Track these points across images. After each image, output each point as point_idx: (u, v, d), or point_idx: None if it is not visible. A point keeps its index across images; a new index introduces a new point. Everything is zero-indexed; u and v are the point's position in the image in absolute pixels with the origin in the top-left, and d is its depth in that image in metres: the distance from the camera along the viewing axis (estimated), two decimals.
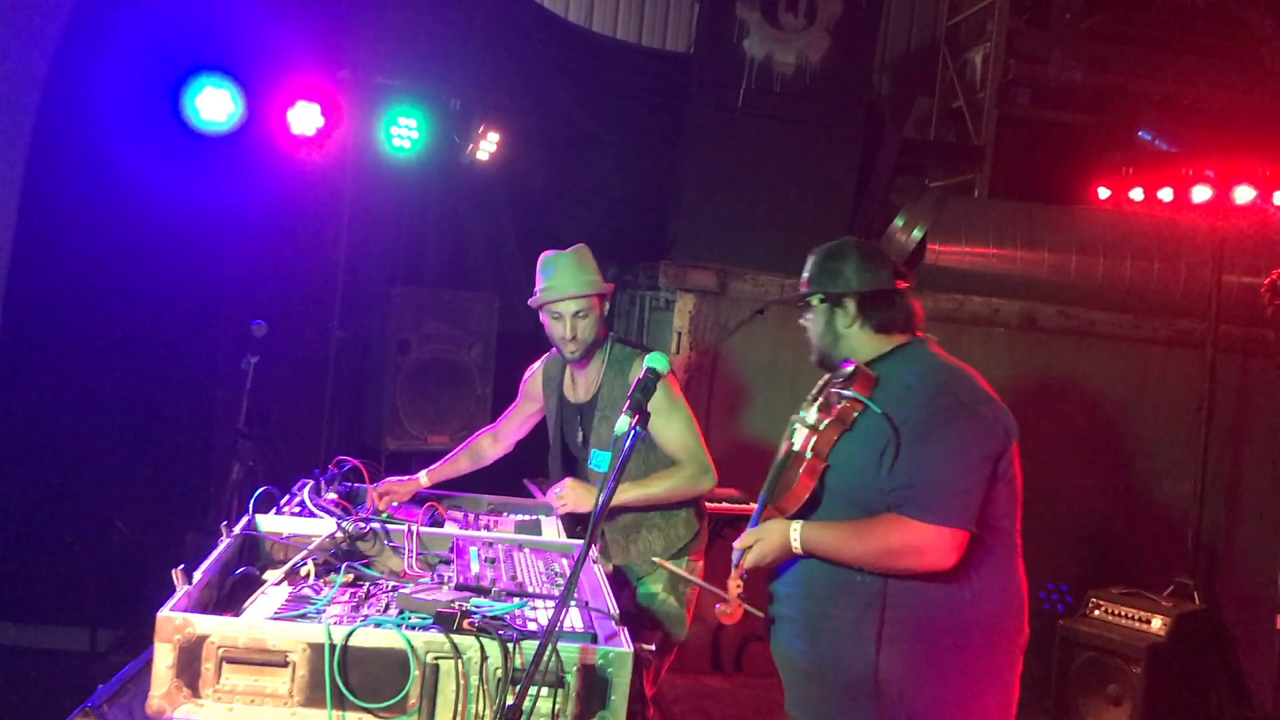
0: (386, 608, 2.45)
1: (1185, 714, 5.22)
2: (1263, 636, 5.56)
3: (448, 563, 2.94)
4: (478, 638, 2.22)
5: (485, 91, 6.23)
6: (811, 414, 2.82)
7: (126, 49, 5.33)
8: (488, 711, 2.21)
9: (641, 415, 2.53)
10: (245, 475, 5.17)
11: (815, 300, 2.86)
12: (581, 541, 2.62)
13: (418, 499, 3.68)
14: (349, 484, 3.73)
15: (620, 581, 3.51)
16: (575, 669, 2.23)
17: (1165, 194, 5.95)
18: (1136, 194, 6.20)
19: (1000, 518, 2.72)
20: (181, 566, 2.34)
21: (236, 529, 2.90)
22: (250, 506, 3.07)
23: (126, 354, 5.63)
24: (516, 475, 4.28)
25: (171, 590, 2.29)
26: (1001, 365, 6.02)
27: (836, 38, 6.49)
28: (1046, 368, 6.07)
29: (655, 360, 2.71)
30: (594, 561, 2.94)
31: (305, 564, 2.71)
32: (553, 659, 2.16)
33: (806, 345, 2.98)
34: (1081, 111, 8.10)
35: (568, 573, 2.75)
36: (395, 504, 3.62)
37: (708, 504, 3.79)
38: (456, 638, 2.22)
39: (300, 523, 3.09)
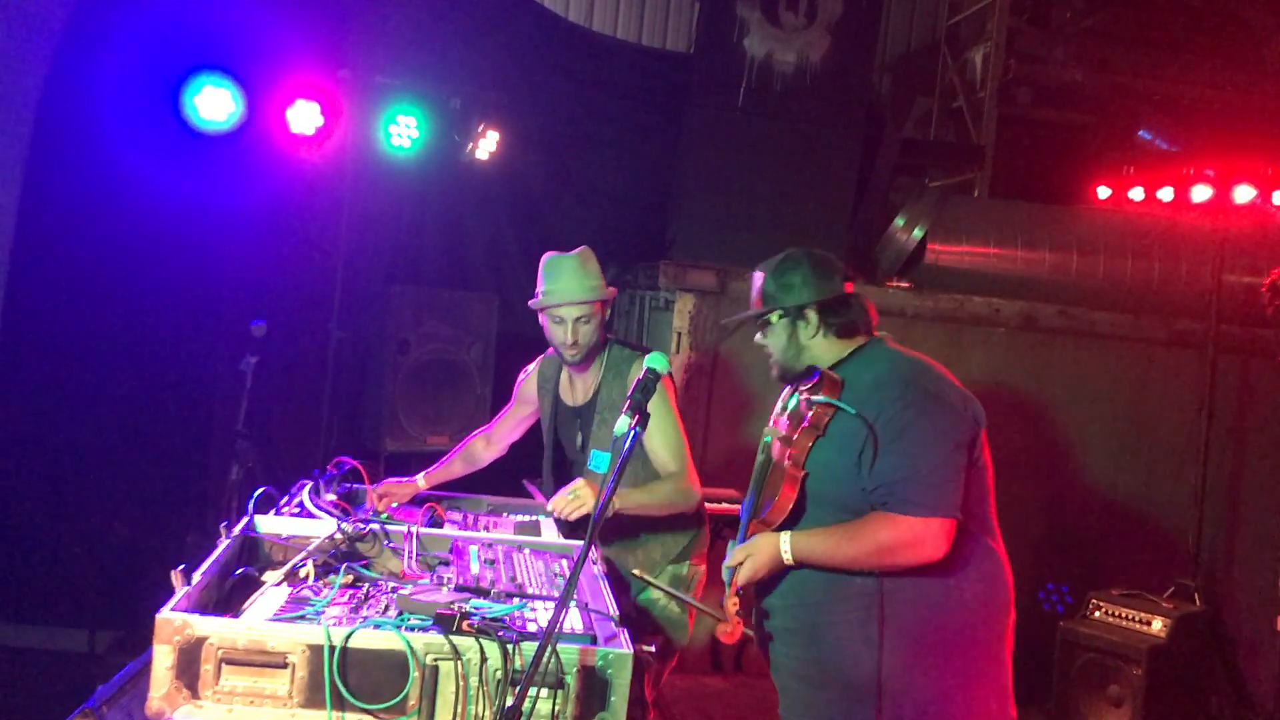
0: (386, 609, 2.45)
1: (1186, 715, 5.21)
2: (1263, 638, 5.57)
3: (447, 564, 2.93)
4: (477, 639, 2.22)
5: (485, 91, 6.23)
6: (782, 426, 2.83)
7: (126, 48, 5.32)
8: (487, 713, 2.20)
9: (641, 415, 2.52)
10: (244, 476, 5.15)
11: (775, 317, 2.86)
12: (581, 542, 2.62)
13: (417, 500, 3.68)
14: (348, 485, 3.73)
15: (622, 586, 3.49)
16: (575, 670, 2.23)
17: (1165, 194, 5.95)
18: (1136, 194, 6.21)
19: (977, 503, 2.76)
20: (181, 567, 2.34)
21: (236, 530, 2.90)
22: (249, 507, 3.06)
23: (126, 354, 5.63)
24: (516, 477, 4.28)
25: (171, 591, 2.29)
26: (1001, 365, 6.01)
27: (837, 37, 6.48)
28: (1046, 368, 6.06)
29: (655, 360, 2.70)
30: (594, 562, 2.93)
31: (305, 565, 2.70)
32: (552, 660, 2.15)
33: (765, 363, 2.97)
34: (1081, 111, 8.10)
35: (567, 574, 2.74)
36: (394, 505, 3.61)
37: (708, 504, 3.77)
38: (456, 639, 2.21)
39: (300, 524, 3.08)
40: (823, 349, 2.85)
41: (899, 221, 6.54)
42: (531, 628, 2.37)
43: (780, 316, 2.84)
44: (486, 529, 3.47)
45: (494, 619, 2.32)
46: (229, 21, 5.52)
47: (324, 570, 2.72)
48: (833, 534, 2.69)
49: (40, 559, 5.50)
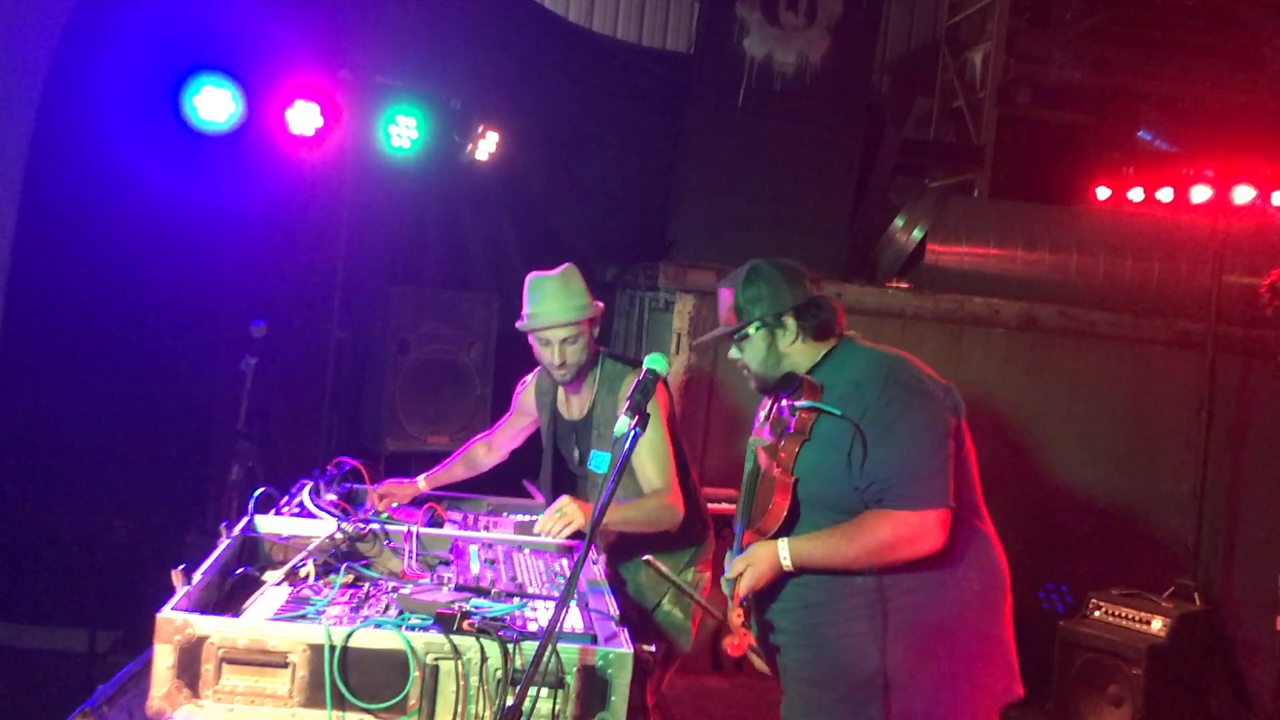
0: (386, 608, 2.45)
1: (1185, 715, 5.21)
2: (1263, 638, 5.56)
3: (447, 563, 2.94)
4: (478, 638, 2.22)
5: (485, 91, 6.23)
6: (766, 434, 2.84)
7: (126, 49, 5.32)
8: (488, 712, 2.21)
9: (641, 416, 2.52)
10: (245, 476, 5.16)
11: (753, 329, 2.85)
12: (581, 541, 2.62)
13: (417, 500, 3.68)
14: (348, 485, 3.73)
15: (623, 590, 3.48)
16: (575, 670, 2.23)
17: (1165, 194, 5.95)
18: (1136, 194, 6.21)
19: (965, 489, 2.77)
20: (181, 567, 2.34)
21: (236, 530, 2.91)
22: (250, 507, 3.07)
23: (126, 354, 5.63)
24: (516, 477, 4.28)
25: (171, 591, 2.30)
26: (1001, 365, 6.02)
27: (837, 37, 6.48)
28: (1046, 368, 6.06)
29: (655, 361, 2.70)
30: (594, 562, 2.93)
31: (305, 565, 2.71)
32: (552, 660, 2.16)
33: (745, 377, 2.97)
34: (1081, 111, 8.10)
35: (568, 573, 2.75)
36: (394, 505, 3.61)
37: (709, 504, 3.77)
38: (456, 638, 2.22)
39: (300, 523, 3.09)
40: (800, 354, 2.85)
41: (899, 222, 6.54)
42: (532, 627, 2.38)
43: (758, 327, 2.85)
44: (487, 529, 3.47)
45: (494, 618, 2.32)
46: (229, 22, 5.52)
47: (324, 570, 2.73)
48: (831, 536, 2.70)
49: (41, 559, 5.50)
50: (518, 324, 3.52)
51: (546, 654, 2.13)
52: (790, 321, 2.82)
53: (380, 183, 6.19)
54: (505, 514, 3.73)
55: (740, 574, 2.73)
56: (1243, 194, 5.64)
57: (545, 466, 3.77)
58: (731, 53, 6.41)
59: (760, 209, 6.44)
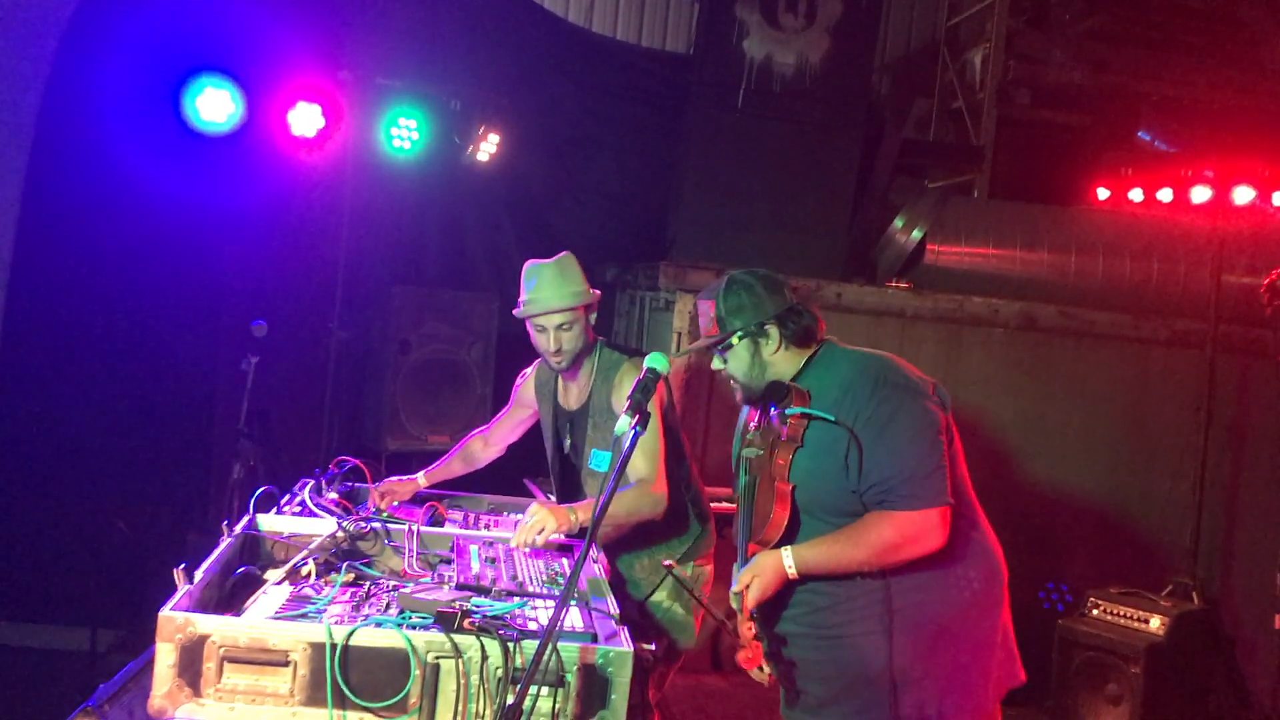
0: (387, 607, 2.46)
1: (1184, 714, 5.22)
2: (1262, 637, 5.57)
3: (448, 562, 2.94)
4: (478, 637, 2.23)
5: (485, 92, 6.24)
6: (757, 445, 2.85)
7: (127, 49, 5.33)
8: (488, 711, 2.21)
9: (642, 415, 2.53)
10: (245, 475, 5.17)
11: (736, 339, 2.87)
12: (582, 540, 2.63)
13: (418, 499, 3.69)
14: (349, 484, 3.74)
15: (624, 588, 3.49)
16: (575, 668, 2.23)
17: (1165, 194, 5.95)
18: (1136, 194, 6.21)
19: (958, 483, 2.80)
20: (182, 566, 2.35)
21: (237, 528, 2.91)
22: (251, 506, 3.08)
23: (127, 354, 5.64)
24: (517, 476, 4.29)
25: (172, 590, 2.30)
26: (1001, 365, 6.02)
27: (836, 38, 6.49)
28: (1046, 368, 6.07)
29: (655, 360, 2.71)
30: (594, 561, 2.94)
31: (306, 563, 2.72)
32: (553, 658, 2.16)
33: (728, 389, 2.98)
34: (1081, 112, 8.10)
35: (568, 573, 2.75)
36: (395, 504, 3.62)
37: (710, 503, 3.77)
38: (457, 637, 2.22)
39: (301, 522, 3.10)
40: (784, 362, 2.87)
41: (899, 222, 6.54)
42: (532, 626, 2.38)
43: (741, 337, 2.86)
44: (487, 528, 3.48)
45: (495, 617, 2.33)
46: (230, 23, 5.53)
47: (325, 568, 2.73)
48: (835, 541, 2.72)
49: (42, 558, 5.50)
50: (515, 311, 3.53)
51: (547, 653, 2.13)
52: (773, 330, 2.84)
53: (381, 183, 6.20)
54: (506, 513, 3.74)
55: (747, 586, 2.74)
56: (1242, 194, 5.64)
57: (551, 459, 3.78)
58: (731, 54, 6.41)
59: (760, 209, 6.45)
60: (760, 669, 2.69)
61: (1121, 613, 5.24)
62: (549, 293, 3.43)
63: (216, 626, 2.20)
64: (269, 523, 3.07)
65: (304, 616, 2.35)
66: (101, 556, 5.46)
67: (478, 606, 2.39)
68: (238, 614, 2.39)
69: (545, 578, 2.80)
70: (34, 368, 5.45)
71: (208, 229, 5.65)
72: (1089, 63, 7.90)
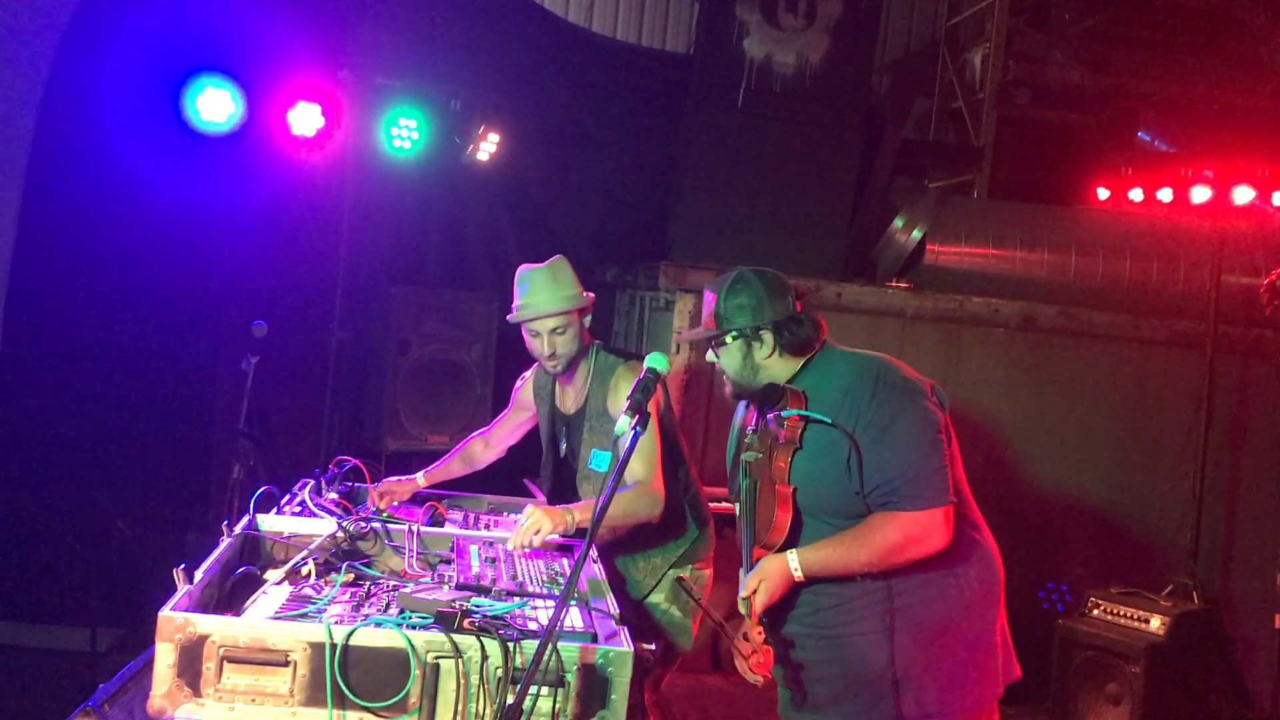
0: (387, 607, 2.46)
1: (1184, 714, 5.22)
2: (1262, 636, 5.57)
3: (448, 562, 2.94)
4: (478, 637, 2.23)
5: (485, 92, 6.24)
6: (756, 448, 2.85)
7: (127, 49, 5.33)
8: (488, 711, 2.21)
9: (641, 415, 2.53)
10: (245, 475, 5.17)
11: (730, 339, 2.87)
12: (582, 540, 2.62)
13: (418, 499, 3.69)
14: (349, 484, 3.74)
15: (622, 589, 3.49)
16: (575, 668, 2.23)
17: (1165, 194, 5.95)
18: (1136, 194, 6.21)
19: (957, 484, 2.81)
20: (182, 566, 2.35)
21: (237, 528, 2.91)
22: (251, 506, 3.08)
23: (127, 354, 5.63)
24: (517, 476, 4.29)
25: (172, 590, 2.30)
26: (1001, 365, 6.03)
27: (836, 38, 6.49)
28: (1046, 368, 6.07)
29: (655, 360, 2.71)
30: (594, 561, 2.94)
31: (306, 563, 2.72)
32: (553, 658, 2.16)
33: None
34: (1081, 111, 8.10)
35: (568, 573, 2.75)
36: (395, 504, 3.62)
37: (710, 504, 3.77)
38: (457, 637, 2.22)
39: (301, 522, 3.10)
40: (777, 367, 2.87)
41: (898, 222, 6.54)
42: (532, 626, 2.38)
43: (735, 337, 2.86)
44: (487, 528, 3.48)
45: (495, 617, 2.33)
46: (230, 23, 5.53)
47: (325, 568, 2.73)
48: (840, 544, 2.72)
49: (42, 558, 5.50)
50: (509, 316, 3.53)
51: (547, 652, 2.13)
52: (767, 336, 2.84)
53: (381, 184, 6.20)
54: (506, 513, 3.74)
55: (754, 591, 2.74)
56: (1242, 194, 5.65)
57: (546, 461, 3.78)
58: (731, 53, 6.41)
59: (760, 209, 6.45)
60: (777, 665, 2.70)
61: (1121, 613, 5.24)
62: (542, 297, 3.42)
63: (216, 626, 2.20)
64: (269, 523, 3.07)
65: (304, 616, 2.35)
66: (101, 556, 5.45)
67: (478, 606, 2.39)
68: (238, 614, 2.39)
69: (545, 578, 2.80)
70: (34, 368, 5.45)
71: (208, 229, 5.64)
72: (1089, 63, 7.90)
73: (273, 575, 2.65)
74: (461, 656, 2.21)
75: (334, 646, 2.18)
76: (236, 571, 2.68)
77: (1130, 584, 5.45)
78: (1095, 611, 5.32)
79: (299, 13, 5.78)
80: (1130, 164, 7.61)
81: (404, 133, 5.96)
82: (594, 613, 2.53)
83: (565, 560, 3.05)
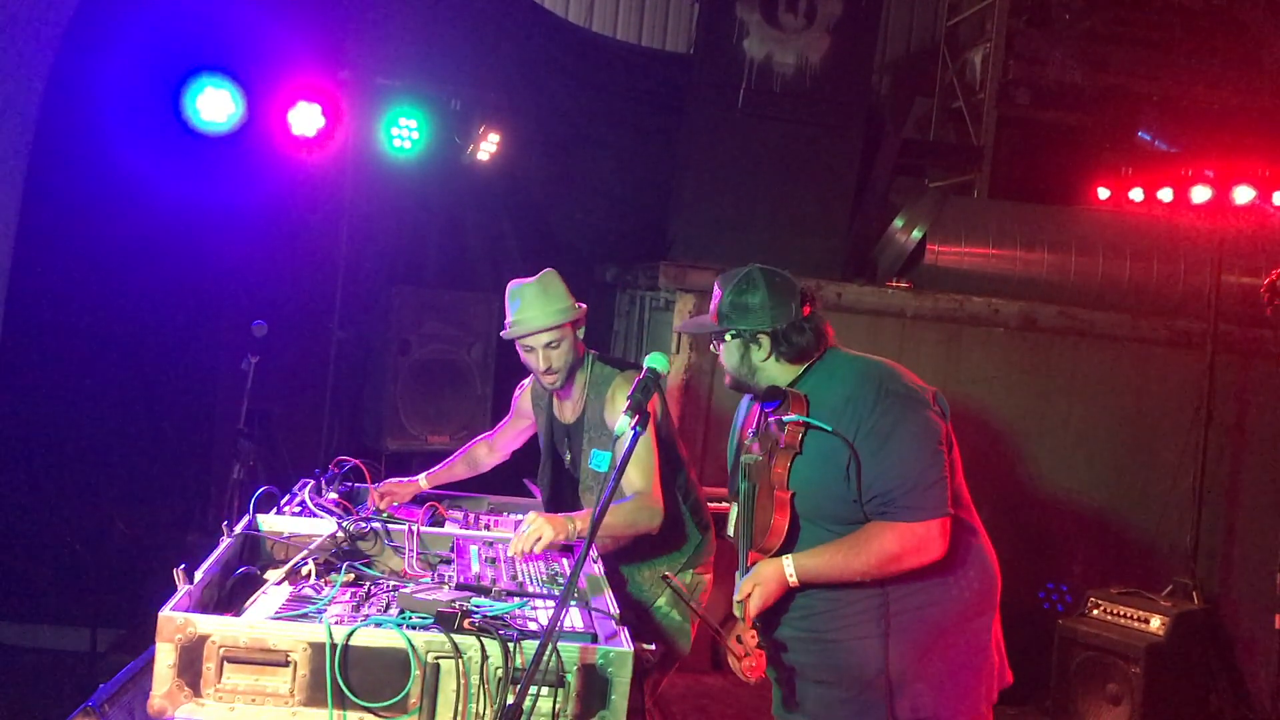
0: (387, 607, 2.46)
1: (1184, 713, 5.22)
2: (1262, 636, 5.57)
3: (448, 562, 2.94)
4: (478, 637, 2.23)
5: (485, 92, 6.24)
6: (755, 452, 2.85)
7: (127, 49, 5.33)
8: (488, 711, 2.21)
9: (642, 415, 2.53)
10: (246, 475, 5.17)
11: (729, 337, 2.87)
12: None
13: (418, 499, 3.69)
14: (349, 484, 3.74)
15: (623, 590, 3.49)
16: (575, 668, 2.23)
17: (1165, 194, 5.95)
18: (1136, 194, 6.21)
19: (957, 491, 2.81)
20: (182, 566, 2.35)
21: (237, 529, 2.91)
22: (251, 506, 3.08)
23: (127, 354, 5.64)
24: (517, 476, 4.29)
25: (172, 590, 2.30)
26: (1001, 365, 6.02)
27: (836, 38, 6.49)
28: (1046, 368, 6.07)
29: (655, 360, 2.71)
30: (594, 561, 2.94)
31: (306, 563, 2.72)
32: (553, 658, 2.16)
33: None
34: (1081, 112, 8.10)
35: (568, 573, 2.75)
36: (395, 504, 3.62)
37: (710, 504, 3.77)
38: (457, 637, 2.22)
39: (301, 522, 3.10)
40: (776, 370, 2.87)
41: (899, 222, 6.54)
42: (532, 626, 2.38)
43: (734, 336, 2.86)
44: (488, 528, 3.48)
45: (495, 617, 2.33)
46: (230, 23, 5.53)
47: (325, 569, 2.73)
48: (836, 551, 2.72)
49: (42, 558, 5.50)
50: (502, 333, 3.51)
51: (547, 653, 2.13)
52: (765, 341, 2.83)
53: (381, 184, 6.20)
54: (506, 513, 3.73)
55: (749, 595, 2.74)
56: (1242, 194, 5.64)
57: (544, 468, 3.78)
58: (731, 53, 6.41)
59: (760, 209, 6.45)
60: (770, 668, 2.70)
61: (1121, 613, 5.24)
62: (534, 312, 3.40)
63: (216, 626, 2.20)
64: (269, 523, 3.07)
65: (304, 616, 2.35)
66: (102, 556, 5.46)
67: (478, 606, 2.39)
68: (238, 614, 2.39)
69: (545, 578, 2.80)
70: (34, 367, 5.45)
71: (208, 229, 5.64)
72: (1089, 63, 7.90)
73: (273, 575, 2.65)
74: (461, 656, 2.21)
75: (334, 646, 2.18)
76: (236, 571, 2.68)
77: (1130, 584, 5.45)
78: (1095, 611, 5.32)
79: (299, 13, 5.79)
80: (1130, 164, 7.61)
81: (404, 133, 5.97)
82: (594, 613, 2.53)
83: (565, 561, 3.05)
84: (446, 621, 2.25)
